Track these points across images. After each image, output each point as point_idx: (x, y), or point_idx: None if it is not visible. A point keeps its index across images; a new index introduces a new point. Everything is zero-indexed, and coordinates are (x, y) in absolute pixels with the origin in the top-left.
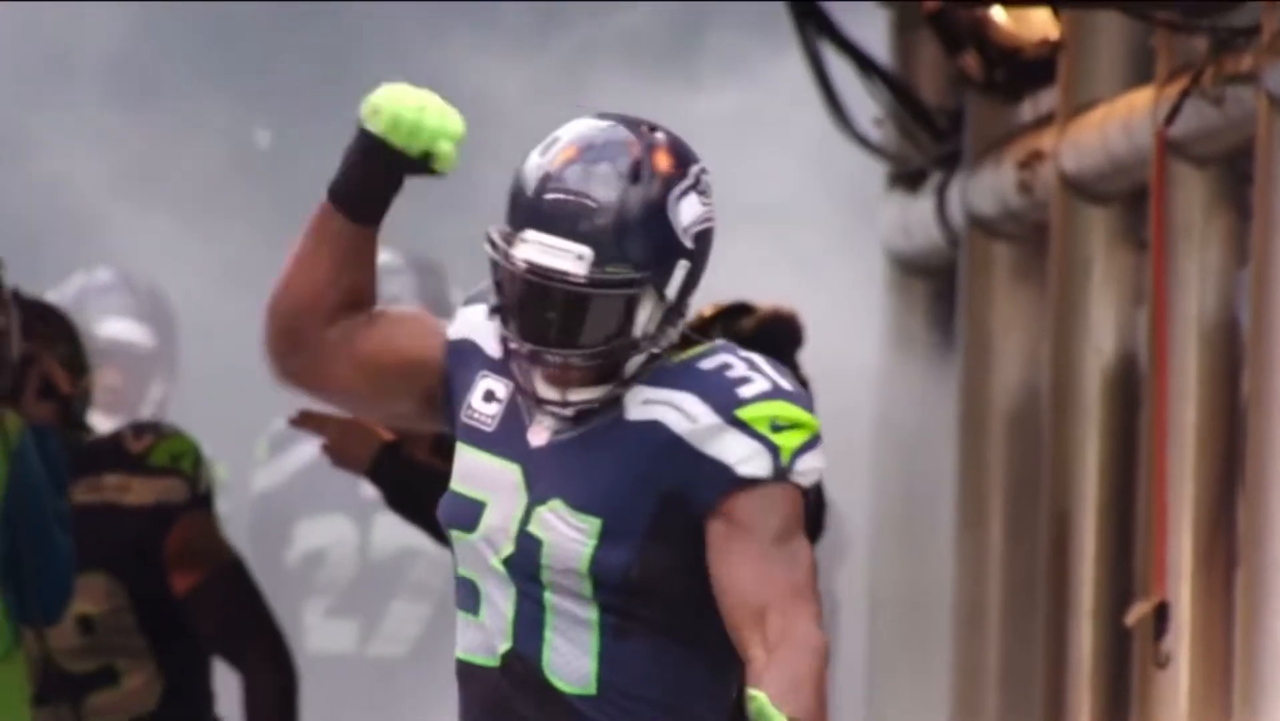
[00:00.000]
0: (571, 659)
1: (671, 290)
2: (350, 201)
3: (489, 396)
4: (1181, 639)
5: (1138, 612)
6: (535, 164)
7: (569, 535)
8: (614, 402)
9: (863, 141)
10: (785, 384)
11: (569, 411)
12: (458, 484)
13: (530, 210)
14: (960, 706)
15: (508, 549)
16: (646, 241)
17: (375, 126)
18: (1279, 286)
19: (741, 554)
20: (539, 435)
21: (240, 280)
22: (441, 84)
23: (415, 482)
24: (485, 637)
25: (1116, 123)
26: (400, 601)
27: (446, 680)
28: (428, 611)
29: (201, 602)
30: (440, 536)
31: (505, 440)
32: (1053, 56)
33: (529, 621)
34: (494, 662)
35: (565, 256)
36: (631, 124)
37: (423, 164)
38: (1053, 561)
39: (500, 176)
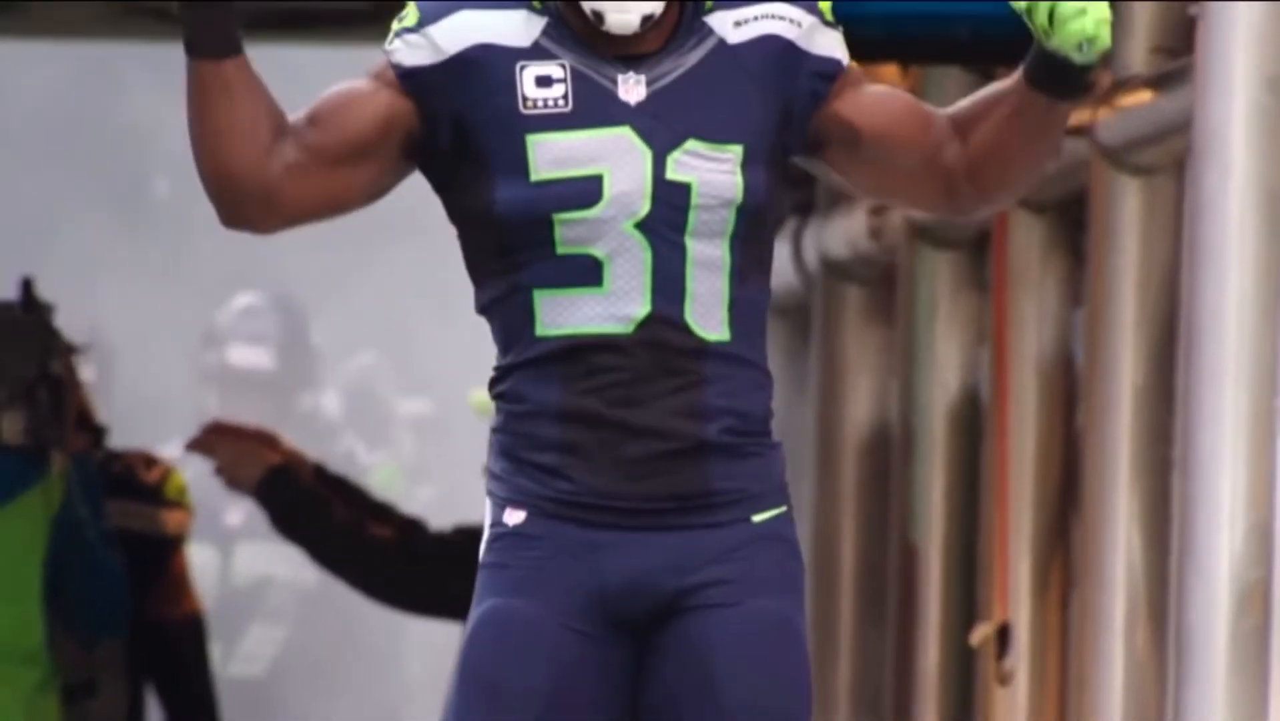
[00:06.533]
0: (709, 306)
1: None
2: (231, 39)
3: (543, 81)
4: (1020, 658)
5: (981, 633)
6: None
7: (717, 169)
8: (700, 37)
9: None
10: None
11: (653, 5)
12: (550, 172)
13: None
14: None
15: (644, 208)
16: None
17: None
18: (1111, 326)
19: (880, 95)
20: (633, 92)
21: (138, 318)
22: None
23: (300, 505)
24: (611, 306)
25: None
26: (258, 625)
27: (303, 696)
28: (283, 634)
29: (193, 632)
30: (320, 557)
31: (592, 111)
32: None
33: (667, 278)
34: (626, 329)
35: None
36: None
37: None
38: (901, 584)
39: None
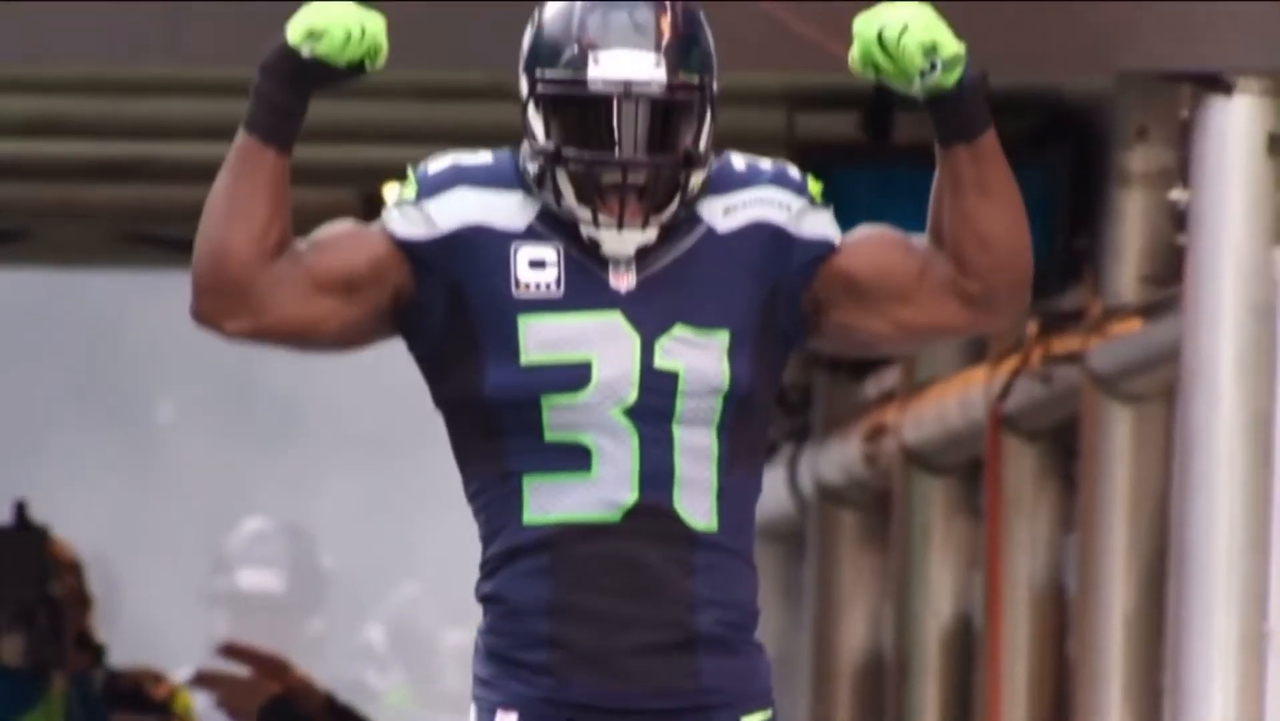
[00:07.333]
0: (698, 495)
1: (715, 106)
2: (284, 131)
3: (537, 264)
4: None
5: None
6: (570, 6)
7: (703, 356)
8: (690, 225)
9: None
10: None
11: (650, 234)
12: (540, 355)
13: (590, 36)
14: None
15: (632, 395)
16: (703, 49)
17: (319, 49)
18: (1102, 553)
19: (859, 235)
20: (623, 279)
21: (143, 539)
22: None
23: None
24: (601, 494)
25: (953, 399)
26: None
27: None
28: None
29: None
30: None
31: (583, 296)
32: None
33: (655, 465)
34: (614, 517)
35: (644, 65)
36: None
37: (352, 70)
38: None
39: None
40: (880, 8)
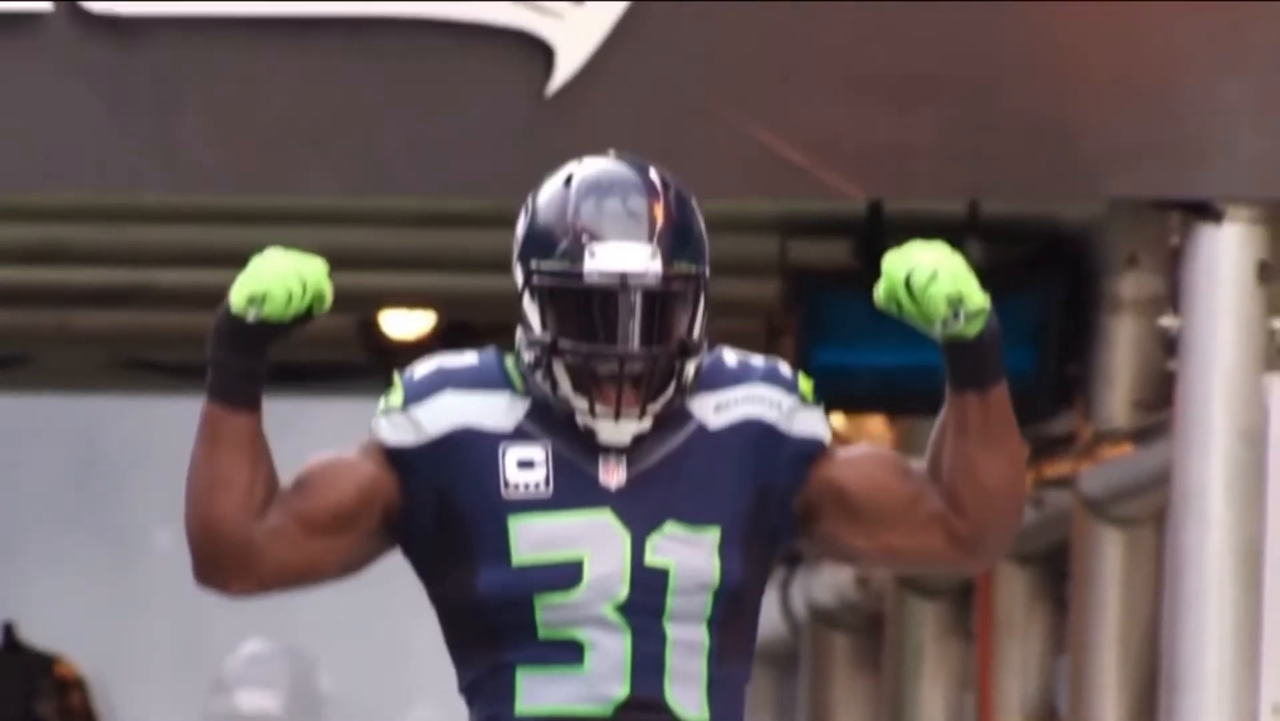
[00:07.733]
0: (689, 687)
1: (708, 293)
2: (248, 392)
3: (525, 465)
4: None
5: None
6: (565, 195)
7: (694, 553)
8: (681, 421)
9: None
10: None
11: (646, 423)
12: (531, 555)
13: (585, 226)
14: None
15: (623, 592)
16: (696, 236)
17: (264, 313)
18: (1093, 675)
19: (858, 452)
20: (613, 475)
21: (143, 661)
22: None
23: None
24: (592, 687)
25: None
26: None
27: None
28: None
29: None
30: None
31: (572, 494)
32: None
33: (647, 660)
34: (605, 711)
35: (639, 257)
36: (624, 156)
37: (300, 321)
38: None
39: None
40: (911, 249)
